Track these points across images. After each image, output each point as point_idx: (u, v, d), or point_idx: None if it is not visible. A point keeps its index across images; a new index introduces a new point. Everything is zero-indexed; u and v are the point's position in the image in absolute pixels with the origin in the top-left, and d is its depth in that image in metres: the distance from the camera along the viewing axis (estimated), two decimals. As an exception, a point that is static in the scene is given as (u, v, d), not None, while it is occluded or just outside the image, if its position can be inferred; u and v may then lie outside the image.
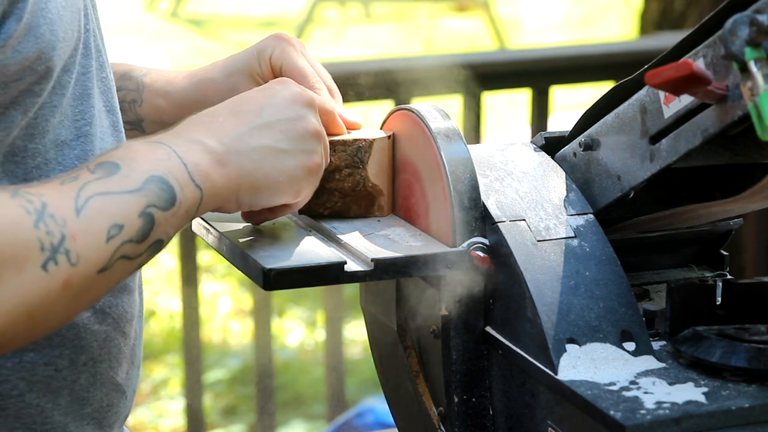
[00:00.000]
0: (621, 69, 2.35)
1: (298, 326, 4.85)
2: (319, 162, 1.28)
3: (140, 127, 1.50)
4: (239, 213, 1.37)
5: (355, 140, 1.37)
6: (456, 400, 1.31)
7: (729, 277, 1.44)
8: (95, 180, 1.11)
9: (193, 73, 1.48)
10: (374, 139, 1.37)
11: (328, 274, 1.25)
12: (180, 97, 1.47)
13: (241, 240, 1.31)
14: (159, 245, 1.15)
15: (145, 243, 1.12)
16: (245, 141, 1.22)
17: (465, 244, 1.28)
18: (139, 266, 1.15)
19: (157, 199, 1.13)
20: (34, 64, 1.17)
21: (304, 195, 1.29)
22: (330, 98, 1.39)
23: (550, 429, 1.21)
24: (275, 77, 1.41)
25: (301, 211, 1.39)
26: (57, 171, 1.23)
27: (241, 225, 1.36)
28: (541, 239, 1.27)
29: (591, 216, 1.30)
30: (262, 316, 3.34)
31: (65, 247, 1.06)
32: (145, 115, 1.49)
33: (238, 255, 1.29)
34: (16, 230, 1.03)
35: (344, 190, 1.37)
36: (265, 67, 1.42)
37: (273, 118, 1.25)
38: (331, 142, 1.34)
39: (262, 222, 1.34)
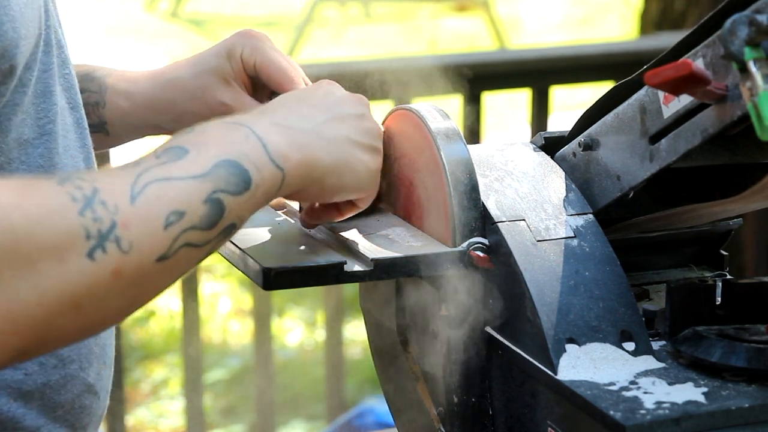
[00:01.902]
0: (621, 69, 2.35)
1: (298, 326, 4.85)
2: (381, 162, 1.29)
3: (104, 130, 1.47)
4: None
5: None
6: (456, 400, 1.31)
7: (729, 277, 1.44)
8: (158, 165, 1.07)
9: (157, 73, 1.46)
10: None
11: (328, 274, 1.25)
12: (144, 98, 1.45)
13: (240, 240, 1.31)
14: (231, 230, 1.11)
15: (215, 230, 1.09)
16: (325, 130, 1.21)
17: (465, 244, 1.28)
18: (209, 253, 1.11)
19: (226, 184, 1.09)
20: None
21: (373, 191, 1.29)
22: None
23: (549, 429, 1.21)
24: (248, 75, 1.40)
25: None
26: (21, 170, 1.21)
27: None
28: (540, 239, 1.27)
29: (591, 216, 1.30)
30: (262, 316, 3.34)
31: (116, 235, 1.02)
32: (109, 117, 1.46)
33: (237, 255, 1.29)
34: (57, 219, 1.00)
35: None
36: (236, 66, 1.40)
37: (342, 112, 1.25)
38: None
39: (324, 222, 1.33)
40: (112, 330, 1.37)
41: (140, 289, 1.06)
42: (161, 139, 1.62)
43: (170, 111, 1.43)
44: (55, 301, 0.99)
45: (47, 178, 1.04)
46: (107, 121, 1.46)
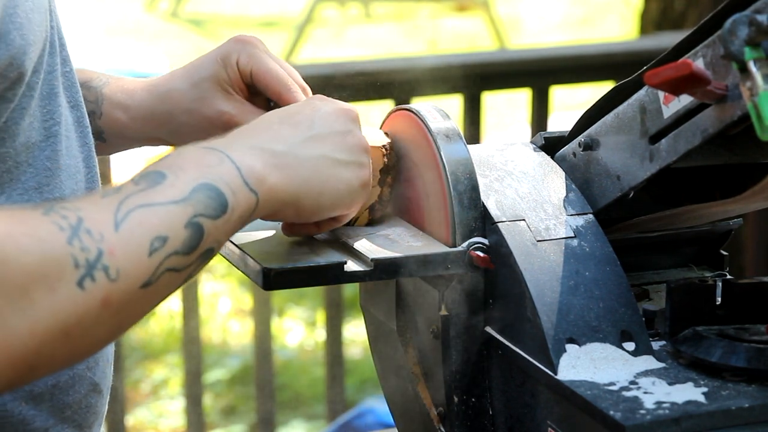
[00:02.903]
0: (621, 69, 2.35)
1: (298, 326, 4.85)
2: (369, 176, 1.28)
3: (101, 138, 1.46)
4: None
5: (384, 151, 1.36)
6: (456, 400, 1.31)
7: (729, 277, 1.44)
8: (138, 192, 1.07)
9: (153, 85, 1.44)
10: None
11: (328, 274, 1.25)
12: (142, 111, 1.44)
13: (240, 240, 1.31)
14: (209, 254, 1.11)
15: (194, 254, 1.09)
16: (302, 149, 1.20)
17: (465, 244, 1.28)
18: (189, 278, 1.11)
19: (205, 208, 1.09)
20: (6, 71, 1.14)
21: (355, 207, 1.27)
22: None
23: (549, 429, 1.21)
24: (244, 82, 1.39)
25: None
26: (28, 174, 1.21)
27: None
28: (540, 239, 1.27)
29: (591, 216, 1.30)
30: (262, 316, 3.34)
31: (103, 263, 1.02)
32: (105, 127, 1.45)
33: (237, 255, 1.29)
34: (46, 248, 0.99)
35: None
36: (233, 74, 1.39)
37: (325, 130, 1.24)
38: None
39: (303, 235, 1.32)
40: None
41: (125, 316, 1.07)
42: (161, 149, 1.61)
43: (168, 123, 1.42)
44: (47, 330, 0.99)
45: (32, 208, 1.04)
46: (104, 131, 1.45)
